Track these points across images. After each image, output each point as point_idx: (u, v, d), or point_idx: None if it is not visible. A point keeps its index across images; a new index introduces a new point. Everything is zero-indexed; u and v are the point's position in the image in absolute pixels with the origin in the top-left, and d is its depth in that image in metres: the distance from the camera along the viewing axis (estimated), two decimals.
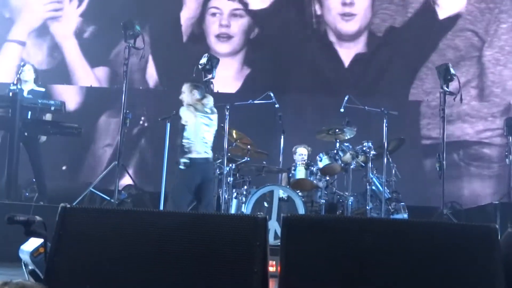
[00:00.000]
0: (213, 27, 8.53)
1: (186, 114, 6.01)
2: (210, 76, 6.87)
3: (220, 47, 8.54)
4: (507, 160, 7.88)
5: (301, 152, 7.58)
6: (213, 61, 6.96)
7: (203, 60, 6.96)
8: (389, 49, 8.86)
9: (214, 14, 8.49)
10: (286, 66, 9.04)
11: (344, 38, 8.74)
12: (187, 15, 8.75)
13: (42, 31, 9.19)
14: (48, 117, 7.10)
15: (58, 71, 9.25)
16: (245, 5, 8.64)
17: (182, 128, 6.00)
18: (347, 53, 8.89)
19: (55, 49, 9.25)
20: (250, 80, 8.91)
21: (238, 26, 8.51)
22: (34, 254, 2.92)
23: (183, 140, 5.98)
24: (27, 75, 7.10)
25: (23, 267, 3.16)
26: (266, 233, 2.65)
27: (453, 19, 8.78)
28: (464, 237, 2.51)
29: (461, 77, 7.50)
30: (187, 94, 6.13)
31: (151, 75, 9.17)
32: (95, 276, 2.54)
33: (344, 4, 8.43)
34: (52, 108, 6.87)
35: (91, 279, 2.52)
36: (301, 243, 2.54)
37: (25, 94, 6.92)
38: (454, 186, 8.71)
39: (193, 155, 5.95)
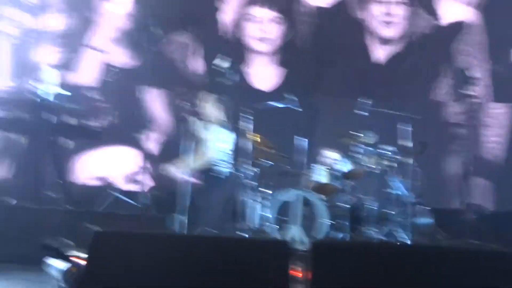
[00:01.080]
0: (251, 32, 8.81)
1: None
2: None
3: (259, 47, 8.80)
4: None
5: (331, 156, 7.56)
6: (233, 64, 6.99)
7: (226, 63, 6.98)
8: (419, 54, 8.94)
9: (252, 20, 8.80)
10: (319, 68, 9.16)
11: (382, 42, 8.91)
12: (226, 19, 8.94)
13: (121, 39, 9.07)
14: (73, 121, 7.21)
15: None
16: (284, 12, 8.90)
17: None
18: (380, 55, 9.00)
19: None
20: (285, 80, 9.04)
21: (276, 30, 8.80)
22: (67, 274, 3.00)
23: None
24: (49, 77, 7.20)
25: (55, 282, 3.23)
26: (289, 256, 2.68)
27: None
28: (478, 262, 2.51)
29: None
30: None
31: None
32: None
33: (387, 14, 8.71)
34: (78, 113, 7.00)
35: None
36: (328, 268, 2.57)
37: (51, 98, 7.04)
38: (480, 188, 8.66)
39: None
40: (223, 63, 6.73)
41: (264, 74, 8.85)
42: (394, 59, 9.01)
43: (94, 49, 8.35)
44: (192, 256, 2.59)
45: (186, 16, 8.93)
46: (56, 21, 8.77)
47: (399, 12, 8.80)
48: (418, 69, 9.06)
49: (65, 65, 6.72)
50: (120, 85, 8.60)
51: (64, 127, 7.08)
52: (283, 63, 9.01)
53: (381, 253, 2.57)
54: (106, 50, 8.25)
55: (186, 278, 2.51)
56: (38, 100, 6.83)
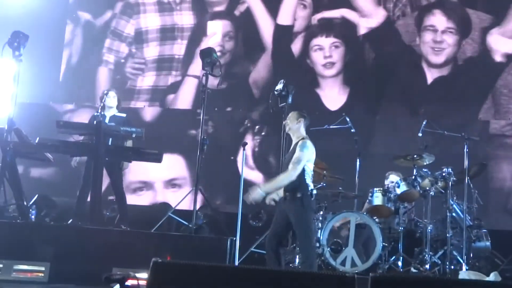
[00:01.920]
0: (318, 59, 9.34)
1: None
2: (285, 103, 6.93)
3: (326, 72, 9.25)
4: None
5: (393, 179, 7.39)
6: (289, 88, 7.00)
7: (279, 86, 7.01)
8: (468, 76, 8.95)
9: (317, 50, 9.31)
10: (378, 88, 9.33)
11: (433, 66, 9.10)
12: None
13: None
14: (129, 143, 7.33)
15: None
16: (342, 37, 9.38)
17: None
18: (431, 76, 9.11)
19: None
20: (350, 99, 9.31)
21: (338, 54, 9.31)
22: None
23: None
24: (111, 102, 7.31)
25: None
26: None
27: None
28: None
29: None
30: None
31: None
32: None
33: (435, 41, 9.03)
34: (133, 135, 7.10)
35: None
36: None
37: (107, 120, 7.17)
38: None
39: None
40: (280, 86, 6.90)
41: (332, 95, 9.28)
42: (442, 82, 9.06)
43: (191, 75, 9.13)
44: None
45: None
46: (151, 50, 9.36)
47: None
48: (467, 91, 8.99)
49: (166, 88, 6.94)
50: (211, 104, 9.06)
51: (120, 149, 7.19)
52: (346, 82, 9.36)
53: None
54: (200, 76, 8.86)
55: None
56: (94, 122, 6.95)
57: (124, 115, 7.51)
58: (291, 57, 9.44)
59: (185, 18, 9.26)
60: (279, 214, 5.70)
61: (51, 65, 9.96)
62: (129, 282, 2.90)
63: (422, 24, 9.09)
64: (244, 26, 9.56)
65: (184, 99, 9.36)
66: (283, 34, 9.46)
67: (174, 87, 9.30)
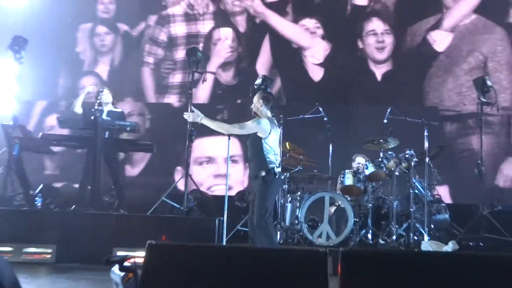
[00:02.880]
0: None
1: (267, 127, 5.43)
2: None
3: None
4: None
5: (359, 161, 7.53)
6: (267, 82, 7.04)
7: (258, 80, 7.04)
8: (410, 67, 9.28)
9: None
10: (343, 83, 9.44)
11: (378, 62, 9.37)
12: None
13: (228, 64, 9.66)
14: (124, 135, 7.31)
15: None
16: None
17: (260, 139, 5.40)
18: (379, 72, 9.34)
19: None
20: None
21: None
22: (124, 279, 3.05)
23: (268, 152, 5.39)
24: (107, 98, 7.25)
25: (114, 286, 3.29)
26: (326, 265, 2.67)
27: None
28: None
29: None
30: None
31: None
32: None
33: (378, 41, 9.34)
34: (128, 129, 7.08)
35: None
36: (358, 275, 2.55)
37: (104, 115, 7.13)
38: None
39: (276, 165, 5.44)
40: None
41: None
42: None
43: (210, 72, 9.19)
44: (236, 266, 2.61)
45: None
46: (179, 53, 9.67)
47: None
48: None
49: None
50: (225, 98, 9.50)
51: (116, 141, 7.17)
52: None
53: (408, 261, 2.54)
54: (216, 73, 9.34)
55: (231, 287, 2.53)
56: (92, 117, 6.90)
57: (120, 110, 7.48)
58: None
59: (207, 27, 9.63)
60: (252, 195, 5.64)
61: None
62: (127, 263, 2.93)
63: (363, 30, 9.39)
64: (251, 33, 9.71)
65: (202, 94, 9.52)
66: None
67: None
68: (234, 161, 9.15)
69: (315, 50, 9.44)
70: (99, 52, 9.30)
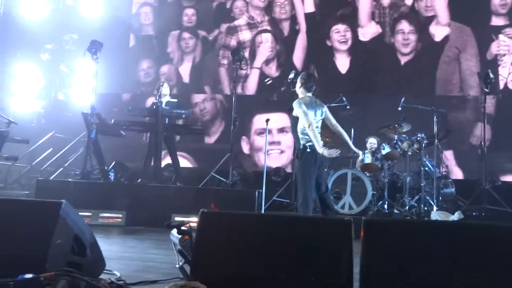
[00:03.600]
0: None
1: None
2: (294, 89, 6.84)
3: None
4: None
5: (372, 141, 7.39)
6: (298, 76, 6.90)
7: (291, 75, 6.94)
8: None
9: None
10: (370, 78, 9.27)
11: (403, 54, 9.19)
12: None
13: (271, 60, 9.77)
14: (180, 122, 7.34)
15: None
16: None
17: (296, 119, 5.09)
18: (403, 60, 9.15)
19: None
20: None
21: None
22: (181, 240, 3.06)
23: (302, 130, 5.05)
24: (165, 91, 7.26)
25: (173, 246, 3.31)
26: (351, 232, 2.58)
27: None
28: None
29: None
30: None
31: None
32: (225, 263, 2.62)
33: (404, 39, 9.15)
34: (183, 116, 7.10)
35: (223, 266, 2.60)
36: (378, 240, 2.47)
37: (164, 105, 7.18)
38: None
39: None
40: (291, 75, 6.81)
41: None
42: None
43: (255, 67, 9.64)
44: (273, 231, 2.57)
45: None
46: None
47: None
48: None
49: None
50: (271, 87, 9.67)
51: (173, 126, 7.21)
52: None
53: (421, 228, 2.45)
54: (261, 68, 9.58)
55: (267, 249, 2.50)
56: (154, 107, 6.96)
57: (176, 100, 7.50)
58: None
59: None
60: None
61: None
62: (184, 227, 2.93)
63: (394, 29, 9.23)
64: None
65: (251, 86, 9.70)
66: None
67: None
68: (285, 132, 9.23)
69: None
70: (184, 52, 9.87)
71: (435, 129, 6.87)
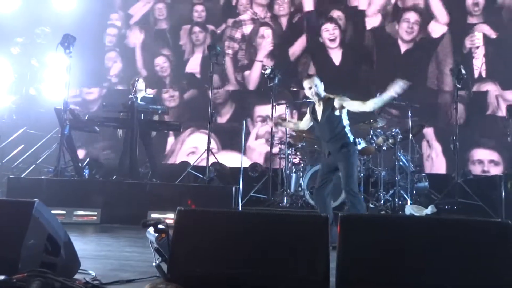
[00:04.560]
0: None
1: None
2: (272, 83, 6.89)
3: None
4: (508, 138, 7.54)
5: None
6: (276, 71, 6.94)
7: (268, 70, 6.95)
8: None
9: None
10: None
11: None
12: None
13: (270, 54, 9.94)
14: (156, 117, 7.26)
15: None
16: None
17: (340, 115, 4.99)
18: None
19: None
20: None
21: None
22: (158, 238, 3.03)
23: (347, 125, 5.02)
24: (141, 86, 7.21)
25: (150, 244, 3.28)
26: (327, 227, 2.61)
27: None
28: (484, 233, 2.40)
29: None
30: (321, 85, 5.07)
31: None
32: (203, 261, 2.61)
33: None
34: (159, 112, 7.03)
35: (200, 264, 2.60)
36: (354, 236, 2.50)
37: (139, 100, 7.09)
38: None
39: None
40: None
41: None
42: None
43: (258, 60, 9.94)
44: (249, 228, 2.57)
45: None
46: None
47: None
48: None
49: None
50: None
51: (149, 122, 7.13)
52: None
53: (395, 223, 2.49)
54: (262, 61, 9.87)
55: (244, 247, 2.50)
56: (129, 102, 6.86)
57: (151, 95, 7.43)
58: None
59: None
60: (337, 165, 5.06)
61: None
62: (161, 226, 2.90)
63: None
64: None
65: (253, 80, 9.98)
66: None
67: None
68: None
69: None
70: (195, 45, 10.31)
71: (409, 123, 6.97)
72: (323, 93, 5.04)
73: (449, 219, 2.67)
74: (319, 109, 5.07)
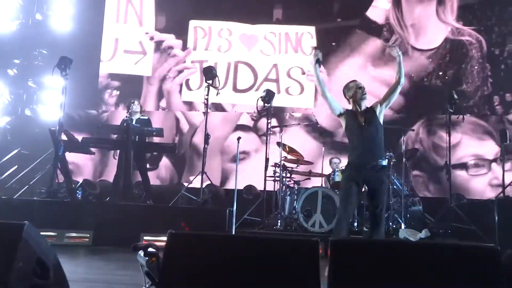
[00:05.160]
0: None
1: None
2: (268, 105, 6.95)
3: None
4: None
5: (335, 161, 7.57)
6: (271, 94, 7.00)
7: (263, 94, 7.01)
8: None
9: None
10: None
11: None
12: None
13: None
14: (151, 139, 7.26)
15: None
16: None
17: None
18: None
19: None
20: None
21: None
22: (149, 261, 3.00)
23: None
24: (136, 108, 7.26)
25: (140, 268, 3.24)
26: (318, 252, 2.60)
27: None
28: (472, 257, 2.40)
29: None
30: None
31: None
32: (193, 286, 2.59)
33: None
34: (154, 133, 7.04)
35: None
36: (345, 261, 2.49)
37: (134, 122, 7.11)
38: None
39: None
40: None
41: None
42: None
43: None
44: (241, 253, 2.56)
45: None
46: None
47: None
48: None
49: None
50: None
51: (144, 144, 7.13)
52: None
53: (388, 248, 2.48)
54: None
55: (234, 271, 2.48)
56: (124, 124, 6.88)
57: (146, 117, 7.44)
58: None
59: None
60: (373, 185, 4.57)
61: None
62: (151, 249, 2.88)
63: None
64: None
65: None
66: None
67: None
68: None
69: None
70: None
71: (403, 147, 7.01)
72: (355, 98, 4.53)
73: (442, 244, 2.66)
74: (360, 114, 4.45)
